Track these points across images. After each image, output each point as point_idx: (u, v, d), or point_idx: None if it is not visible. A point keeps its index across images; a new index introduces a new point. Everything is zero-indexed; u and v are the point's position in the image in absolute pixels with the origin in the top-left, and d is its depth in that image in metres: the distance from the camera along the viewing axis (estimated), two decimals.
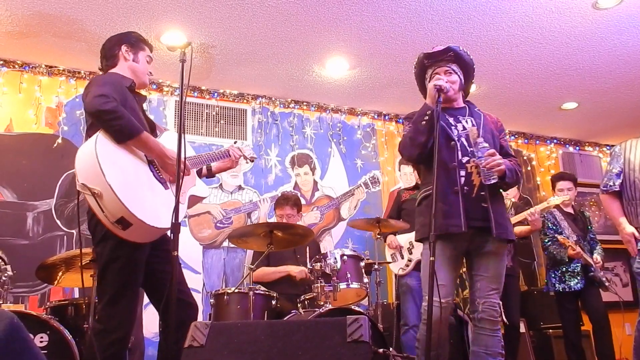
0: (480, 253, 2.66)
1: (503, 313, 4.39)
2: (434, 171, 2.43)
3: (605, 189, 3.52)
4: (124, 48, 2.68)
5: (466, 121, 2.76)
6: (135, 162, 2.40)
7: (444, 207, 2.57)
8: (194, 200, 2.70)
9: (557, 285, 4.54)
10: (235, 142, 3.10)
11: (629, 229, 3.34)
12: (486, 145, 2.59)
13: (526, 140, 6.62)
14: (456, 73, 2.81)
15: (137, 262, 2.39)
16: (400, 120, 5.85)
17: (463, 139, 2.69)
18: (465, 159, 2.66)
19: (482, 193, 2.63)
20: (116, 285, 2.34)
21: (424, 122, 2.61)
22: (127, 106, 2.44)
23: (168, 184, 2.50)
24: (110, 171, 2.21)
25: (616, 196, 3.50)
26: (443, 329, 2.57)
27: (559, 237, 4.50)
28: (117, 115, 2.30)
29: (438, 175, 2.48)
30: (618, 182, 3.47)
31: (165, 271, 2.50)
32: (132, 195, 2.23)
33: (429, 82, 2.75)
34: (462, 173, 2.63)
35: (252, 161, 3.22)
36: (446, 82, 2.67)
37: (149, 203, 2.31)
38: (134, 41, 2.73)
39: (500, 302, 2.65)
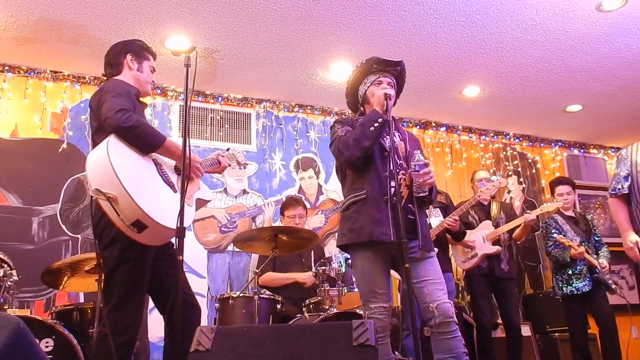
0: (413, 259, 2.62)
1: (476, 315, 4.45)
2: (390, 180, 2.57)
3: (613, 192, 3.49)
4: (129, 57, 2.71)
5: (394, 135, 2.81)
6: (145, 167, 2.43)
7: (375, 215, 2.60)
8: (200, 203, 2.72)
9: (564, 288, 4.52)
10: (228, 149, 3.11)
11: (634, 237, 3.34)
12: (422, 158, 2.65)
13: (531, 143, 6.59)
14: (394, 88, 2.88)
15: (145, 265, 2.40)
16: (405, 124, 5.85)
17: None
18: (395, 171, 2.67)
19: (409, 205, 2.68)
20: (124, 289, 2.35)
21: (372, 128, 2.63)
22: (136, 114, 2.47)
23: (176, 187, 2.53)
24: (124, 175, 2.23)
25: (624, 200, 3.47)
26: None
27: (557, 236, 4.50)
28: (140, 129, 2.37)
29: (372, 184, 2.62)
30: (626, 184, 3.44)
31: (170, 274, 2.51)
32: (147, 198, 2.26)
33: (371, 87, 2.82)
34: (392, 184, 2.62)
35: (245, 167, 3.21)
36: None
37: (162, 206, 2.34)
38: (139, 50, 2.76)
39: (452, 302, 2.65)
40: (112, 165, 2.22)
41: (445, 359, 2.51)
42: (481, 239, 4.47)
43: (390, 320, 2.66)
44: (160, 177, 2.47)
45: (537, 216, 4.59)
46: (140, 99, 2.73)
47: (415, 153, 2.67)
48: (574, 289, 4.47)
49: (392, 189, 2.59)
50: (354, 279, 3.59)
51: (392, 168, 2.60)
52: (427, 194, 2.68)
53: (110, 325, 2.31)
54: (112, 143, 2.32)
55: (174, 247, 2.58)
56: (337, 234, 2.85)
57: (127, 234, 2.27)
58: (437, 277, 2.65)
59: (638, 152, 3.46)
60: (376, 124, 2.62)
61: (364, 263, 2.64)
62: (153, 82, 2.83)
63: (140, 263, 2.38)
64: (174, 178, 2.57)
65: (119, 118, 2.32)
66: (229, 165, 2.99)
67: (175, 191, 2.50)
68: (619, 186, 3.47)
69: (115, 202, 2.20)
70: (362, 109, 2.91)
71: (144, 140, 2.41)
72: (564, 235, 4.56)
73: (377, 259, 2.63)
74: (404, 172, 2.70)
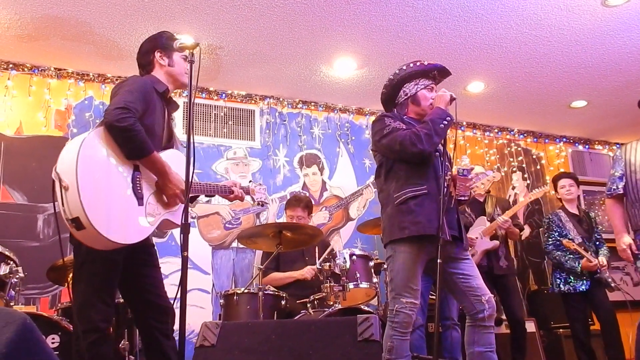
0: (456, 258, 2.75)
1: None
2: (442, 176, 2.65)
3: (609, 193, 3.58)
4: (157, 54, 2.63)
5: None
6: (118, 171, 2.33)
7: (438, 210, 2.65)
8: (167, 224, 2.54)
9: (562, 286, 4.53)
10: (250, 182, 3.05)
11: (627, 239, 3.41)
12: (469, 164, 2.78)
13: (535, 139, 6.58)
14: None
15: (113, 264, 2.35)
16: None
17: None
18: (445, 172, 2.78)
19: (453, 205, 2.79)
20: (91, 287, 2.30)
21: (442, 125, 2.69)
22: (149, 114, 2.43)
23: (144, 200, 2.40)
24: (84, 170, 2.18)
25: (620, 201, 3.57)
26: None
27: (563, 240, 4.48)
28: (131, 134, 2.28)
29: (430, 180, 2.68)
30: (621, 185, 3.52)
31: (143, 274, 2.48)
32: (96, 202, 2.18)
33: (423, 90, 2.88)
34: (445, 183, 2.70)
35: (261, 206, 3.09)
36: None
37: (112, 214, 2.23)
38: (166, 44, 2.65)
39: None
40: (78, 156, 2.19)
41: (486, 352, 2.65)
42: (478, 235, 4.46)
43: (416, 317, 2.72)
44: (131, 185, 2.35)
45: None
46: (177, 90, 2.65)
47: (463, 157, 2.79)
48: (571, 288, 4.47)
49: (445, 189, 2.66)
50: (358, 275, 3.59)
51: (444, 169, 2.72)
52: (466, 198, 2.79)
53: (80, 324, 2.27)
54: (92, 135, 2.28)
55: (154, 247, 2.59)
56: (387, 227, 2.73)
57: (67, 228, 2.21)
58: (479, 274, 2.77)
59: (632, 152, 3.54)
60: (445, 122, 2.70)
61: (407, 257, 2.64)
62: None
63: (108, 262, 2.32)
64: (147, 191, 2.43)
65: (116, 115, 2.26)
66: (241, 199, 2.87)
67: (140, 204, 2.37)
68: (614, 186, 3.55)
69: (66, 191, 2.18)
70: (406, 109, 2.91)
71: (130, 145, 2.31)
72: (566, 234, 4.55)
73: (419, 255, 2.66)
74: (457, 174, 2.80)
